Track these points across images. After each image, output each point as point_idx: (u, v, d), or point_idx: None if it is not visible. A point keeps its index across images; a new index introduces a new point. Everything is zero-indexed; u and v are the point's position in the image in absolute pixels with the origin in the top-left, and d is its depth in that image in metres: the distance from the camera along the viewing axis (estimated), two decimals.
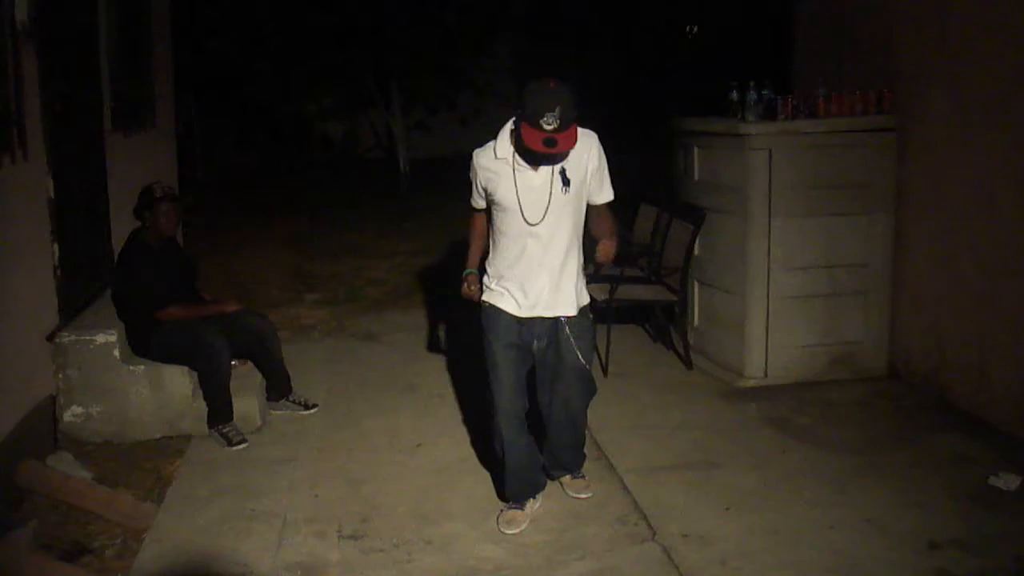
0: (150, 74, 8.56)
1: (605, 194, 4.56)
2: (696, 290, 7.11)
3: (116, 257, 6.16)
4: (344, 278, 10.20)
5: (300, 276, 10.35)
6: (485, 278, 4.65)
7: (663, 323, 7.59)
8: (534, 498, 4.85)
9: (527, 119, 4.13)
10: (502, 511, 4.80)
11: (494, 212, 4.54)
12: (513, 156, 4.37)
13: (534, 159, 4.31)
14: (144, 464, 5.46)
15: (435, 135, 18.82)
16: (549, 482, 5.04)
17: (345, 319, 8.61)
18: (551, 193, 4.37)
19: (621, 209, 6.26)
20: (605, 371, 6.80)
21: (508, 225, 4.47)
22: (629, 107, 16.80)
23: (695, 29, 17.74)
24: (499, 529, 4.70)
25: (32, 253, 5.52)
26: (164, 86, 9.12)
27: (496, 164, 4.41)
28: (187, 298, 6.08)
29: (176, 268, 6.10)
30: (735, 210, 6.49)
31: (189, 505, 4.94)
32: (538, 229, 4.42)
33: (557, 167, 4.35)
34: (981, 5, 5.75)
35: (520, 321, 4.56)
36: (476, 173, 4.50)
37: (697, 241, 6.82)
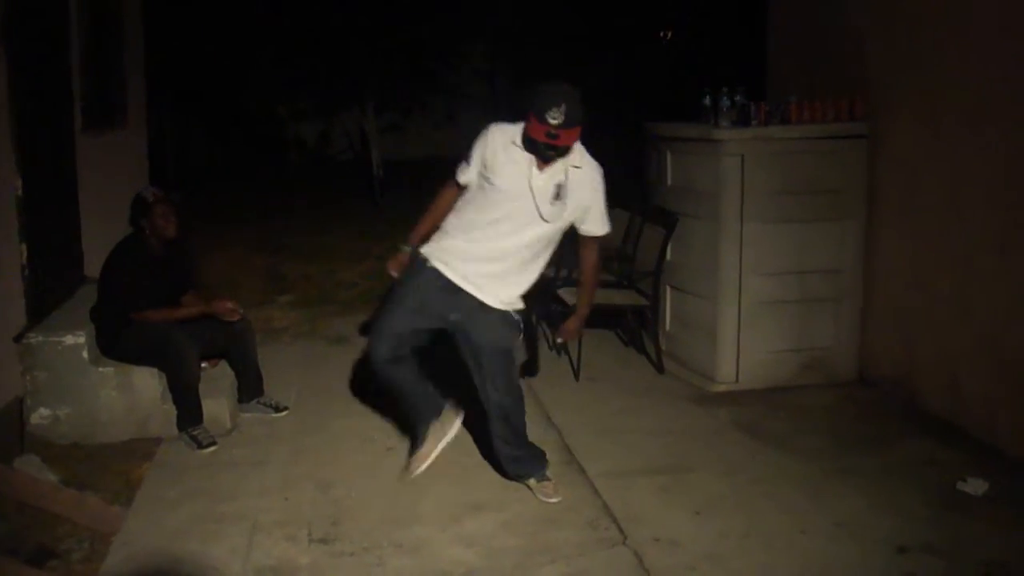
0: (122, 73, 8.50)
1: (601, 225, 4.72)
2: (668, 295, 7.12)
3: (110, 253, 6.01)
4: (316, 281, 10.15)
5: (273, 278, 10.29)
6: (428, 244, 4.72)
7: (635, 327, 7.60)
8: (438, 420, 4.95)
9: (534, 112, 4.31)
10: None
11: (480, 191, 4.59)
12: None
13: (535, 150, 4.42)
14: (113, 467, 5.41)
15: (409, 137, 18.81)
16: (520, 486, 5.04)
17: (317, 322, 8.57)
18: (547, 197, 4.49)
19: None
20: (576, 375, 6.80)
21: (490, 205, 4.54)
22: (604, 111, 16.83)
23: (669, 34, 17.79)
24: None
25: None
26: (136, 86, 9.07)
27: (512, 148, 4.49)
28: (169, 304, 5.95)
29: (171, 277, 5.96)
30: (708, 215, 6.50)
31: (158, 508, 4.89)
32: (524, 222, 4.52)
33: (559, 179, 4.47)
34: (950, 15, 5.78)
35: (445, 287, 4.62)
36: (486, 145, 4.54)
37: (669, 246, 6.83)
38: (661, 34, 17.87)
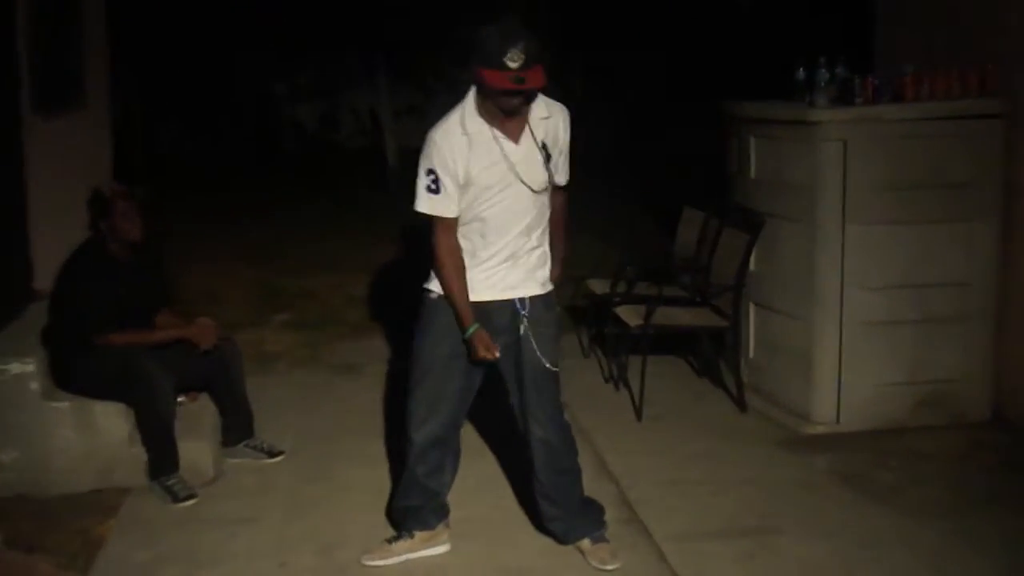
0: (78, 44, 8.57)
1: (564, 173, 4.85)
2: (752, 314, 7.11)
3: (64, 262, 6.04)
4: (319, 296, 10.21)
5: (265, 293, 10.36)
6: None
7: (711, 354, 7.58)
8: (431, 531, 5.09)
9: (487, 62, 4.37)
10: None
11: (470, 202, 4.64)
12: (488, 126, 4.56)
13: (504, 105, 4.48)
14: (68, 524, 5.44)
15: (430, 121, 18.79)
16: (570, 549, 5.06)
17: (319, 346, 8.61)
18: (539, 160, 4.62)
19: (663, 214, 6.28)
20: (639, 414, 6.80)
21: (493, 206, 4.62)
22: (675, 92, 16.84)
23: None
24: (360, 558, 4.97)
25: None
26: (96, 59, 9.14)
27: (468, 140, 4.57)
28: (140, 325, 6.02)
29: (140, 291, 6.01)
30: (801, 215, 6.49)
31: (124, 575, 4.92)
32: (538, 198, 4.68)
33: (538, 138, 4.59)
34: None
35: (484, 310, 4.72)
36: (444, 161, 4.57)
37: (753, 254, 6.83)
38: None
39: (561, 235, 5.01)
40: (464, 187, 4.58)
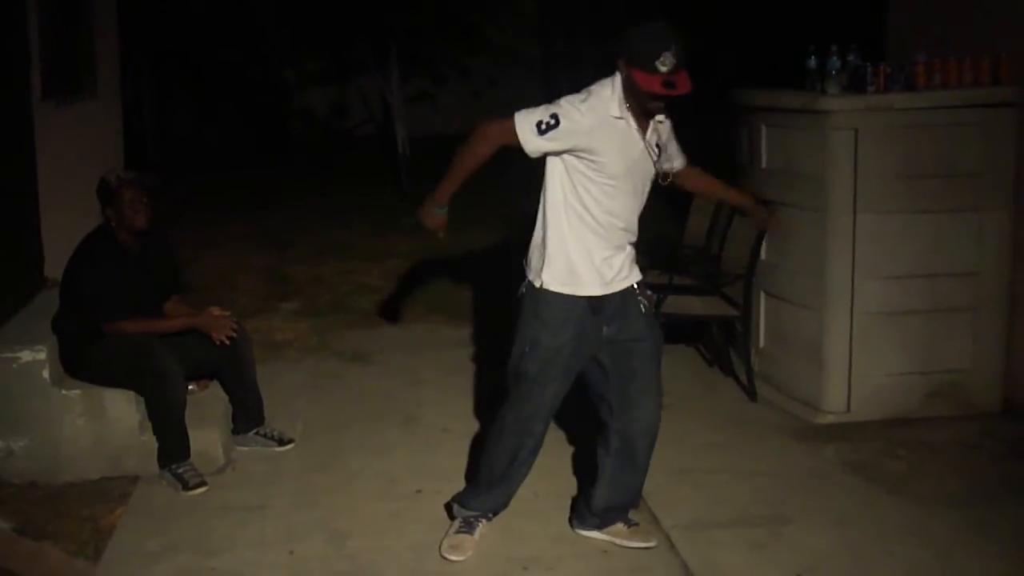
0: (91, 32, 8.58)
1: (681, 156, 5.03)
2: (763, 303, 7.10)
3: (74, 250, 6.04)
4: (328, 284, 10.21)
5: (274, 280, 10.37)
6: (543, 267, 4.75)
7: (721, 344, 7.58)
8: (490, 518, 5.09)
9: (638, 63, 4.39)
10: (450, 531, 5.04)
11: (585, 182, 4.61)
12: (630, 116, 4.58)
13: (650, 109, 4.54)
14: (78, 512, 5.46)
15: (442, 110, 18.82)
16: (576, 539, 5.11)
17: (329, 334, 8.61)
18: (651, 161, 4.70)
19: (671, 202, 6.26)
20: None
21: (605, 199, 4.63)
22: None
23: None
24: (441, 555, 4.91)
25: None
26: (108, 46, 9.15)
27: (611, 124, 4.55)
28: (151, 312, 6.03)
29: (150, 279, 6.03)
30: (812, 204, 6.48)
31: (134, 563, 4.94)
32: (639, 197, 4.76)
33: (655, 140, 4.69)
34: None
35: (594, 306, 4.73)
36: (580, 132, 4.49)
37: (764, 243, 6.82)
38: None
39: (720, 185, 5.33)
40: (585, 161, 4.57)
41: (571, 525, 5.21)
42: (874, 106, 6.34)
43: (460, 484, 5.67)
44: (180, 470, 5.74)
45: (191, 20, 16.53)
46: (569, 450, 6.03)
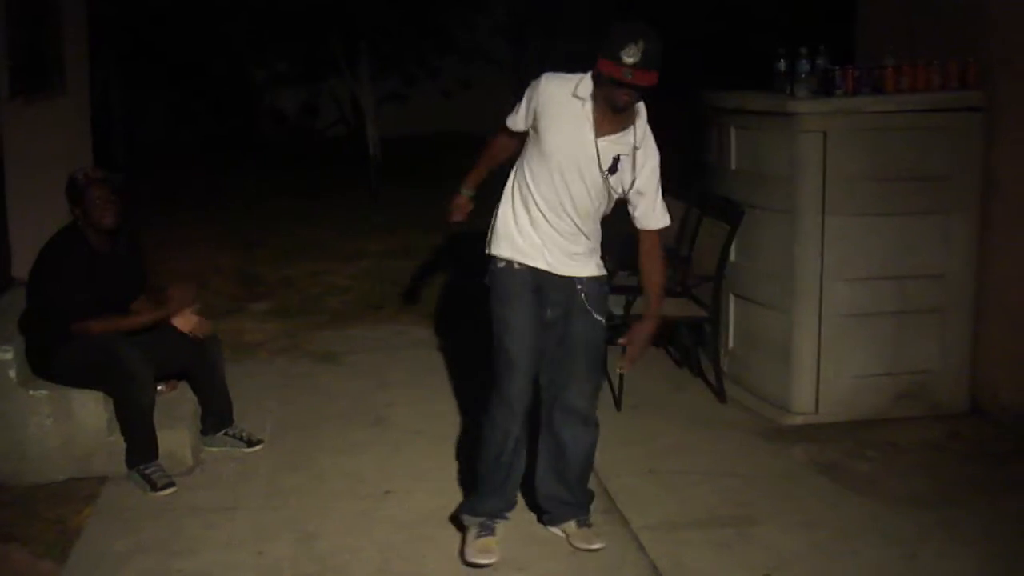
0: (59, 29, 8.53)
1: (659, 216, 5.01)
2: (732, 305, 7.13)
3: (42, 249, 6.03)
4: (298, 284, 10.18)
5: (244, 281, 10.33)
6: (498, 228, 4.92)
7: (690, 345, 7.60)
8: (505, 517, 5.05)
9: (607, 52, 4.51)
10: (470, 538, 4.95)
11: (533, 154, 4.79)
12: (590, 103, 4.67)
13: (612, 96, 4.57)
14: (45, 513, 5.43)
15: (412, 109, 18.82)
16: (548, 538, 5.10)
17: (299, 335, 8.60)
18: (598, 165, 4.70)
19: None
20: (618, 404, 6.80)
21: (546, 173, 4.75)
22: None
23: None
24: (467, 560, 4.83)
25: None
26: (77, 44, 9.10)
27: (569, 100, 4.69)
28: (118, 311, 5.98)
29: (119, 278, 5.98)
30: (781, 206, 6.50)
31: (101, 564, 4.92)
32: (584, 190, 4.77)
33: (615, 153, 4.70)
34: None
35: (537, 280, 4.84)
36: (538, 99, 4.75)
37: (733, 245, 6.84)
38: None
39: (657, 275, 5.15)
40: (536, 128, 4.75)
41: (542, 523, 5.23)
42: (842, 109, 6.37)
43: (429, 485, 5.69)
44: (148, 471, 5.71)
45: (157, 16, 16.44)
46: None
